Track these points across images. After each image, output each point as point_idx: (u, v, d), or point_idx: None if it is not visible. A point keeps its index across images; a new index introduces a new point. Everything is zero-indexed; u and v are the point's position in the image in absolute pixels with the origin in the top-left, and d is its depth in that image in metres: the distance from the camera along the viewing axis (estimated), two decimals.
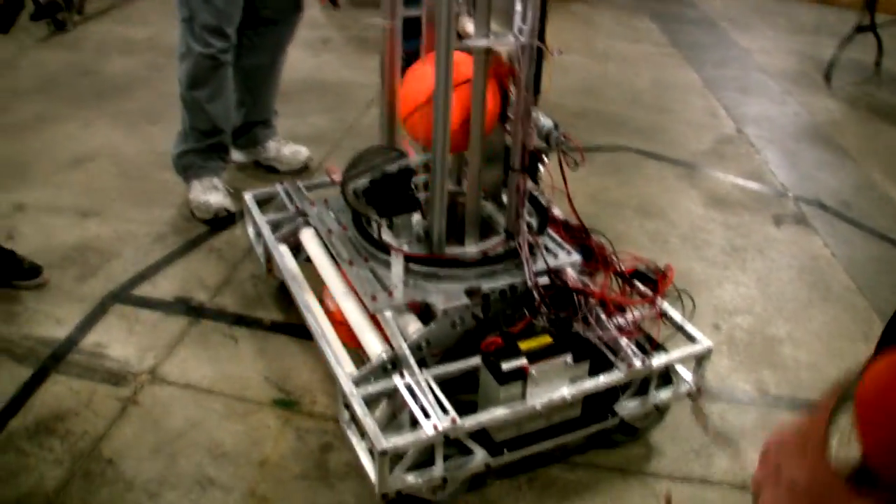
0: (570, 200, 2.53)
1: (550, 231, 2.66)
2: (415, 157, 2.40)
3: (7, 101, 4.85)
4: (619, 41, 6.23)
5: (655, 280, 2.51)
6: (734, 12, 7.32)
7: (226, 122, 3.59)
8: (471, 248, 2.51)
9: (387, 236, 2.56)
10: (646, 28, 6.59)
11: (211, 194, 3.57)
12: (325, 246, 2.69)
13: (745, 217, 3.92)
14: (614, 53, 5.99)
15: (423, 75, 2.36)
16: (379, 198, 2.26)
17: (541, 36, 2.24)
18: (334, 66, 5.42)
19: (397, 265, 2.31)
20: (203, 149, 3.59)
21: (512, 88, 2.33)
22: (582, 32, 6.36)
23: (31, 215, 3.62)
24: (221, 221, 3.56)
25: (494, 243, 2.54)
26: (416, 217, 2.57)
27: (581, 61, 5.74)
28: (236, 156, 3.92)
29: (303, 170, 3.97)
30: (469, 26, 2.33)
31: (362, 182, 2.24)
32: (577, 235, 2.69)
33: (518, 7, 2.21)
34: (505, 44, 2.24)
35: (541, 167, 2.47)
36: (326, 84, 5.13)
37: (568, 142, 2.36)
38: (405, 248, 2.48)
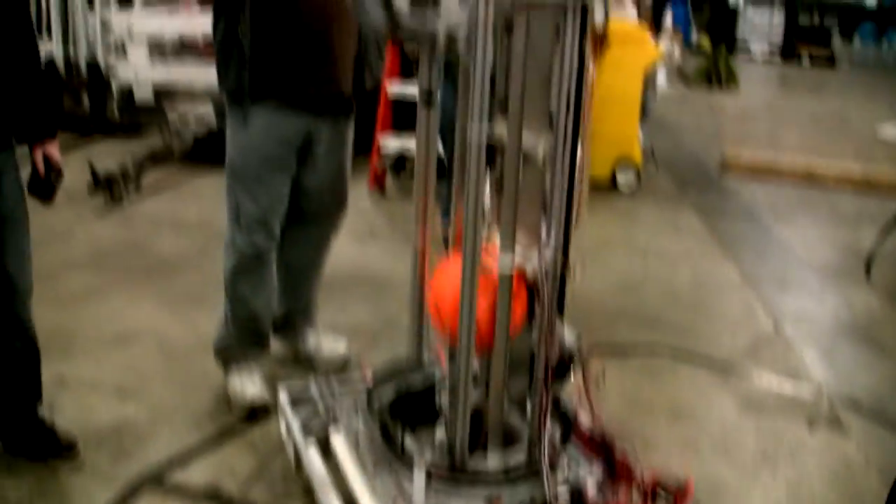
0: (592, 412, 2.60)
1: (575, 440, 2.73)
2: (441, 366, 2.50)
3: (59, 271, 5.08)
4: (660, 235, 6.37)
5: (674, 496, 2.55)
6: (776, 202, 7.47)
7: (266, 312, 3.74)
8: (493, 458, 2.58)
9: (410, 443, 2.63)
10: (687, 221, 6.73)
11: (248, 384, 3.68)
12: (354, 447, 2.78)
13: (778, 420, 3.93)
14: (655, 248, 6.11)
15: (451, 275, 2.45)
16: (403, 411, 2.36)
17: (565, 249, 2.36)
18: (379, 257, 5.58)
19: (419, 476, 2.38)
20: (242, 337, 3.72)
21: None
22: (623, 227, 6.52)
23: (71, 389, 3.75)
24: (257, 411, 3.65)
25: (517, 453, 2.60)
26: (440, 423, 2.66)
27: (621, 257, 5.87)
28: (276, 345, 4.03)
29: (340, 363, 4.06)
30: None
31: (387, 395, 2.34)
32: (602, 445, 2.74)
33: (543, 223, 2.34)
34: (529, 263, 2.36)
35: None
36: (370, 275, 5.27)
37: (591, 355, 2.45)
38: (427, 456, 2.55)
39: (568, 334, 2.50)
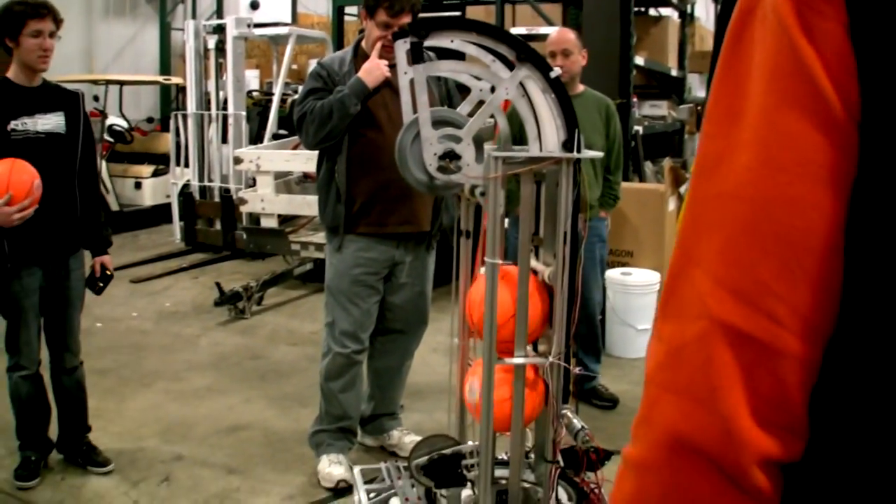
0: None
1: None
2: (469, 444, 3.24)
3: (185, 371, 6.04)
4: None
5: None
6: None
7: (355, 410, 4.54)
8: None
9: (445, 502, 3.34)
10: None
11: (335, 468, 4.43)
12: None
13: None
14: None
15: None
16: (434, 473, 3.11)
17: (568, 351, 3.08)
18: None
19: None
20: (334, 430, 4.51)
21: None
22: None
23: (186, 465, 4.64)
24: (342, 491, 4.39)
25: None
26: (467, 492, 3.36)
27: None
28: (365, 439, 4.82)
29: None
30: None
31: (422, 460, 3.10)
32: None
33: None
34: (538, 363, 3.10)
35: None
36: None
37: (591, 441, 3.13)
38: None
39: (576, 421, 3.19)
